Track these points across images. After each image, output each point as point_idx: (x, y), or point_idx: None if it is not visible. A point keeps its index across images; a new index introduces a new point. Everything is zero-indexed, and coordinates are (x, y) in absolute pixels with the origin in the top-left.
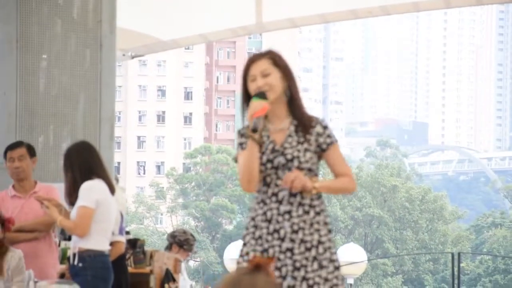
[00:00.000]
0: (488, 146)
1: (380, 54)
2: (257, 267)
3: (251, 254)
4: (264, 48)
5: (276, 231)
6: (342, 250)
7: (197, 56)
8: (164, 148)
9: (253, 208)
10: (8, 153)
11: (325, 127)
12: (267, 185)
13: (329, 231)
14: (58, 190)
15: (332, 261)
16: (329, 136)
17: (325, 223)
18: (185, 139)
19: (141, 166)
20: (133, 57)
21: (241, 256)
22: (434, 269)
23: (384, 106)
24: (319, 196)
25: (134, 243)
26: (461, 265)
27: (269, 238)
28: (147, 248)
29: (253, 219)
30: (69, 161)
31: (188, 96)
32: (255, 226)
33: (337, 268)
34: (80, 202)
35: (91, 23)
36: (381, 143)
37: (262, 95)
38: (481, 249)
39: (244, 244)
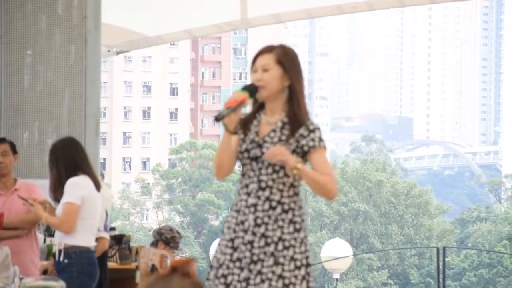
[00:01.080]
0: (472, 141)
1: (365, 49)
2: (174, 270)
3: (222, 244)
4: (249, 44)
5: (242, 222)
6: (328, 245)
7: (183, 51)
8: (150, 144)
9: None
10: None
11: (311, 131)
12: (243, 175)
13: (297, 229)
14: (41, 187)
15: (293, 259)
16: (313, 139)
17: (292, 221)
18: (170, 135)
19: (126, 162)
20: (118, 53)
21: (218, 244)
22: (420, 263)
23: (370, 101)
24: (293, 194)
25: (119, 239)
26: (446, 259)
27: (236, 228)
28: (133, 244)
29: (231, 209)
30: (54, 157)
31: (173, 91)
32: (231, 216)
33: (298, 267)
34: (65, 198)
35: (76, 19)
36: (366, 138)
37: (251, 88)
38: (466, 243)
39: (222, 232)
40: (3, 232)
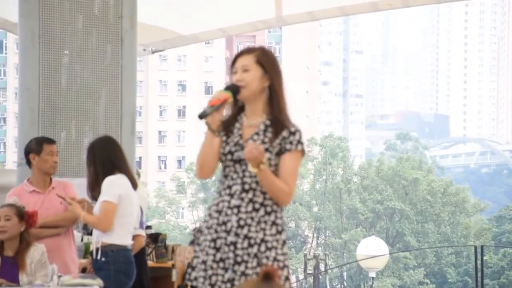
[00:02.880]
0: (510, 138)
1: (400, 46)
2: (267, 277)
3: (203, 244)
4: (284, 42)
5: (224, 223)
6: (364, 244)
7: (217, 50)
8: (185, 142)
9: (214, 197)
10: (48, 146)
11: (292, 133)
12: (225, 176)
13: (279, 231)
14: (78, 185)
15: (276, 260)
16: (291, 142)
17: (274, 223)
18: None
19: (162, 160)
20: (153, 52)
21: (197, 244)
22: (457, 262)
23: (405, 98)
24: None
25: (155, 238)
26: (484, 258)
27: (218, 229)
28: (169, 242)
29: (209, 208)
30: (92, 156)
31: (208, 90)
32: (210, 215)
33: (280, 268)
34: (103, 197)
35: (112, 19)
36: (401, 136)
37: (233, 88)
38: (503, 241)
39: (201, 232)
40: (42, 230)
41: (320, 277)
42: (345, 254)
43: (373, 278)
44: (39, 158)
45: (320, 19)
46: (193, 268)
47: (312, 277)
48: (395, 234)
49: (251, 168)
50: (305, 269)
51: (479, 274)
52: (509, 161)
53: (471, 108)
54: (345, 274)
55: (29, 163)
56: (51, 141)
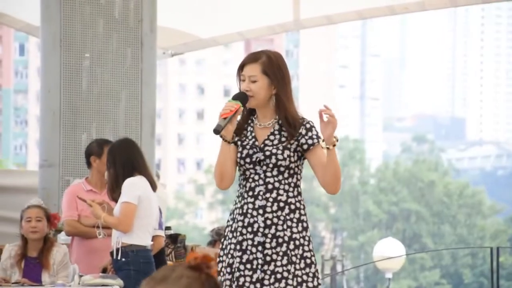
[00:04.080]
0: None
1: (416, 49)
2: (199, 265)
3: (228, 248)
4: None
5: (250, 224)
6: (380, 245)
7: (236, 53)
8: (204, 145)
9: (234, 201)
10: (104, 147)
11: (309, 129)
12: (246, 179)
13: (304, 228)
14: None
15: (303, 258)
16: (311, 137)
17: (300, 220)
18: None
19: (181, 163)
20: (173, 55)
21: (221, 249)
22: (473, 263)
23: (421, 101)
24: (297, 194)
25: (175, 238)
26: (500, 259)
27: (244, 231)
28: (188, 243)
29: (232, 212)
30: (112, 158)
31: (227, 93)
32: (233, 219)
33: (308, 265)
34: (123, 198)
35: (132, 22)
36: (417, 138)
37: (242, 96)
38: None
39: (224, 237)
40: (92, 231)
41: (337, 277)
42: (362, 256)
43: (389, 279)
44: (99, 161)
45: (337, 22)
46: (218, 273)
47: (329, 277)
48: (411, 235)
49: (325, 145)
50: (322, 270)
51: (495, 275)
52: None
53: (487, 111)
54: (361, 275)
55: (88, 164)
56: (110, 143)
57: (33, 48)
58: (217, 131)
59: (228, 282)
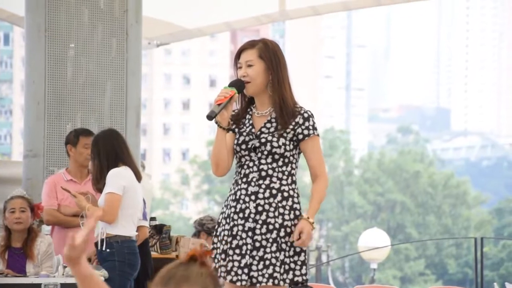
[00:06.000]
0: (511, 131)
1: (402, 40)
2: (192, 259)
3: (222, 234)
4: (287, 36)
5: (242, 210)
6: (365, 235)
7: (222, 44)
8: (189, 135)
9: (230, 188)
10: (84, 138)
11: (306, 119)
12: (241, 166)
13: (297, 217)
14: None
15: (293, 245)
16: (308, 128)
17: (293, 208)
18: (209, 126)
19: (166, 153)
20: (158, 46)
21: (215, 236)
22: (457, 253)
23: (406, 92)
24: (291, 182)
25: (160, 229)
26: (484, 249)
27: (235, 216)
28: (173, 233)
29: (227, 199)
30: (96, 148)
31: (213, 83)
32: (227, 206)
33: (297, 253)
34: (107, 188)
35: (117, 13)
36: (402, 129)
37: (238, 83)
38: (503, 233)
39: (218, 223)
40: (75, 219)
41: (322, 268)
42: (347, 246)
43: (374, 269)
44: (75, 150)
45: (323, 13)
46: (213, 260)
47: (314, 268)
48: (396, 226)
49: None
50: (307, 260)
51: (479, 266)
52: (509, 154)
53: (472, 101)
54: (346, 265)
55: (67, 153)
56: (88, 133)
57: (17, 38)
58: (210, 117)
59: (223, 269)
